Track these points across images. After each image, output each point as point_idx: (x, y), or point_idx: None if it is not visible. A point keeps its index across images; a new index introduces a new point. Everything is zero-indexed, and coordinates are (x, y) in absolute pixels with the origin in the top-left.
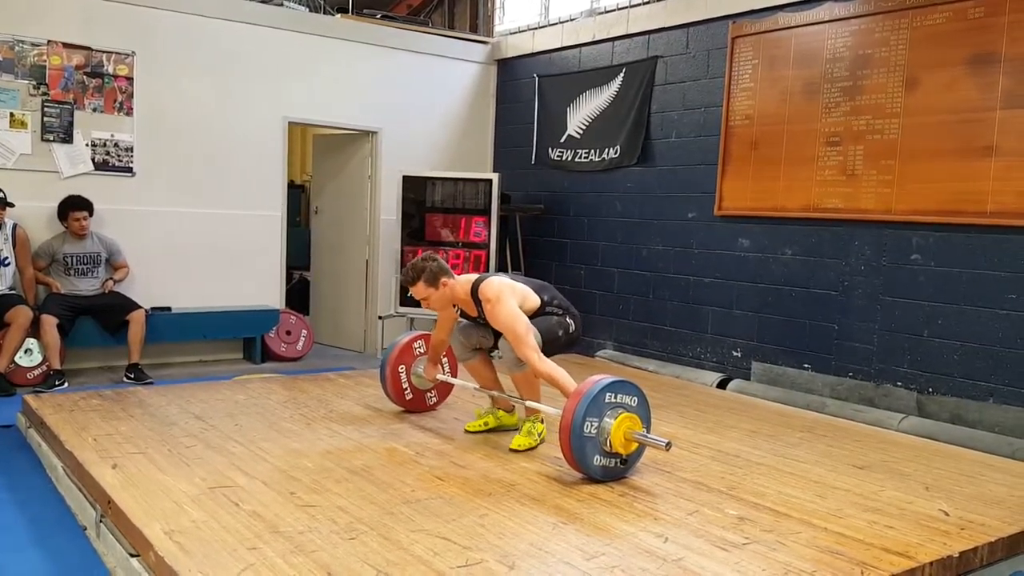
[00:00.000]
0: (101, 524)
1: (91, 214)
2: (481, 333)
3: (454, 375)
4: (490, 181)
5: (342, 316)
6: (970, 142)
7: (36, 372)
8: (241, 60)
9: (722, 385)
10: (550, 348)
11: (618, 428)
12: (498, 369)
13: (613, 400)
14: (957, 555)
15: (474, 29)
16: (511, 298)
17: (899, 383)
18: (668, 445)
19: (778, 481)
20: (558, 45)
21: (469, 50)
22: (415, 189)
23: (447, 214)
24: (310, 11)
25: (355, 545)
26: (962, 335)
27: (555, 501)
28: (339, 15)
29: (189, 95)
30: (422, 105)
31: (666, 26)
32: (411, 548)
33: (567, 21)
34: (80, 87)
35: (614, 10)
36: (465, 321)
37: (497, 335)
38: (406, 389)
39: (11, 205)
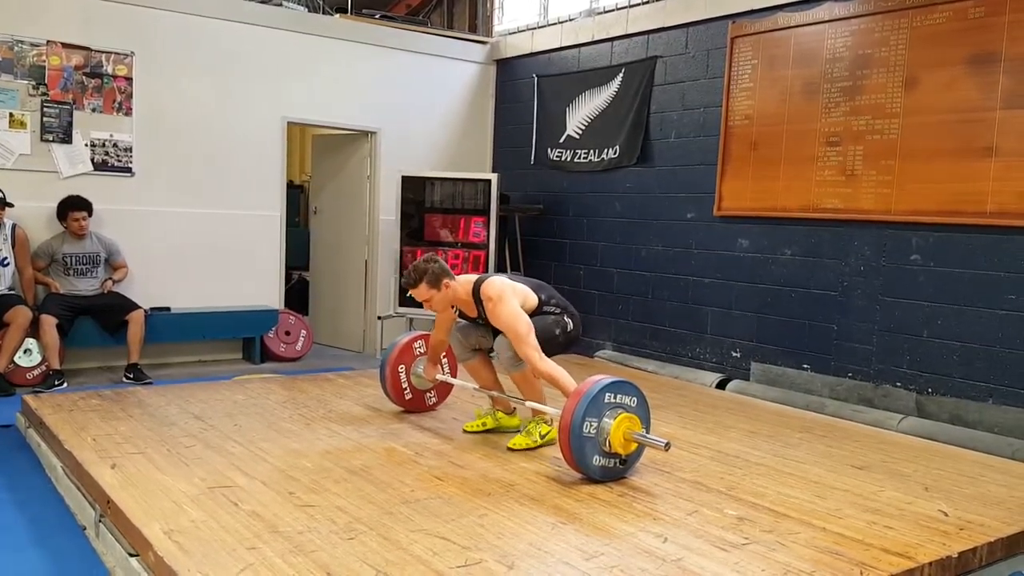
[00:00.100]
0: (100, 524)
1: (90, 214)
2: (480, 333)
3: (454, 375)
4: (489, 181)
5: (341, 316)
6: (970, 142)
7: (35, 372)
8: (240, 60)
9: (721, 385)
10: (547, 347)
11: (617, 428)
12: (498, 369)
13: (612, 400)
14: (956, 555)
15: (473, 29)
16: (513, 298)
17: (898, 383)
18: (667, 445)
19: (777, 481)
20: (557, 45)
21: (468, 50)
22: (414, 189)
23: (446, 214)
24: (309, 11)
25: (354, 545)
26: (962, 336)
27: (554, 501)
28: (338, 15)
29: (188, 95)
30: (421, 105)
31: (665, 26)
32: (410, 548)
33: (566, 21)
34: (79, 87)
35: (613, 10)
36: (463, 321)
37: (496, 335)
38: (406, 389)
39: (10, 205)
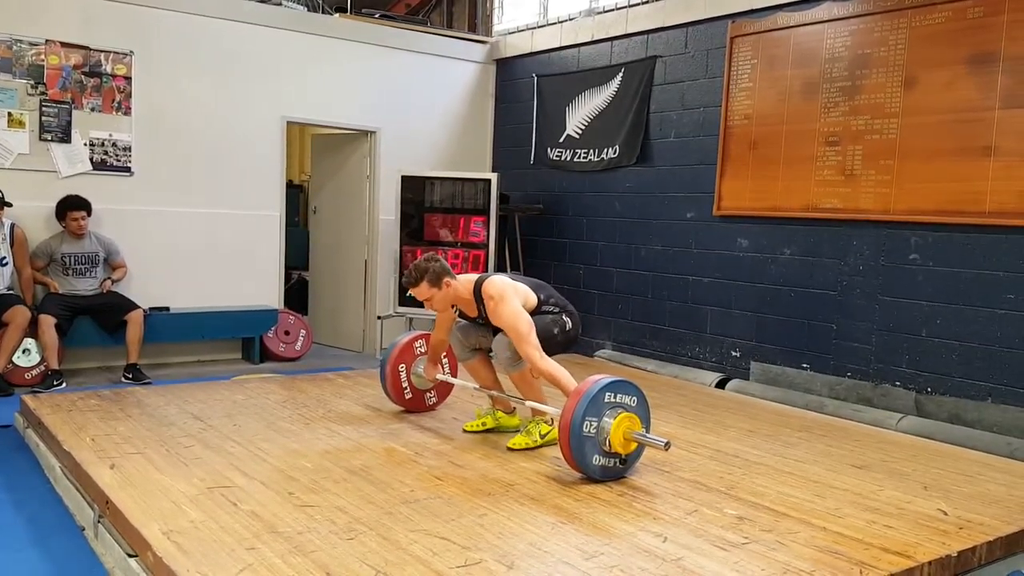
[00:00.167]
0: (99, 524)
1: (89, 214)
2: (480, 333)
3: (454, 375)
4: (489, 181)
5: (341, 316)
6: (969, 142)
7: (34, 372)
8: (239, 60)
9: (721, 385)
10: (546, 347)
11: (617, 428)
12: (497, 369)
13: (612, 400)
14: (955, 554)
15: (473, 29)
16: (514, 297)
17: (898, 383)
18: (667, 445)
19: (777, 481)
20: (557, 45)
21: (468, 50)
22: (414, 189)
23: (446, 214)
24: (308, 11)
25: (354, 545)
26: (961, 335)
27: (554, 501)
28: (337, 15)
29: (187, 95)
30: (421, 105)
31: (665, 26)
32: (410, 548)
33: (566, 21)
34: (78, 87)
35: (613, 10)
36: (463, 321)
37: (496, 335)
38: (406, 388)
39: (9, 205)
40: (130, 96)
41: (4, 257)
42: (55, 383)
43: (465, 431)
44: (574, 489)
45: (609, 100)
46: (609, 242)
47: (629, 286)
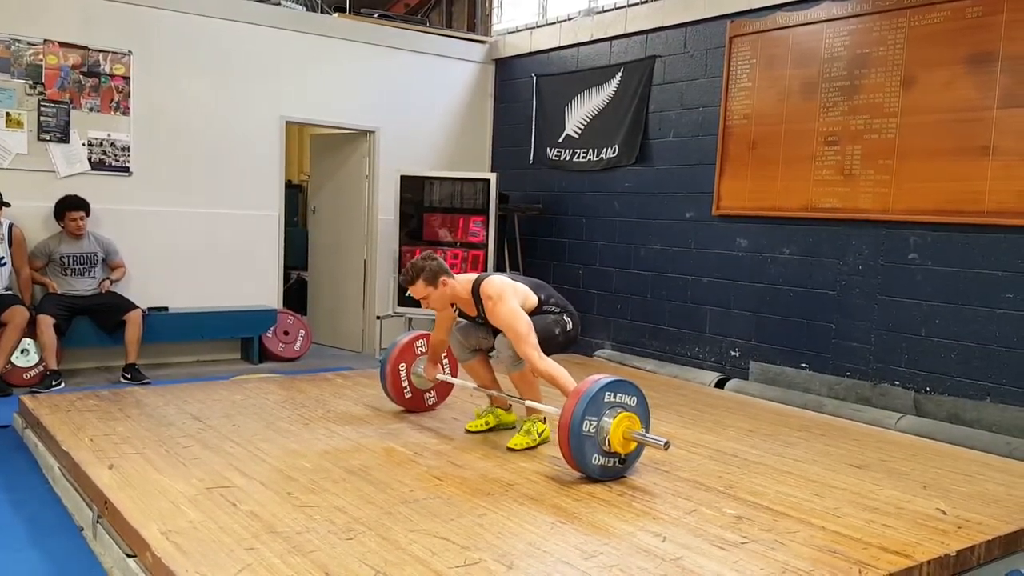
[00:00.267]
0: (98, 525)
1: (88, 214)
2: (480, 333)
3: (454, 375)
4: (488, 181)
5: (340, 316)
6: (968, 141)
7: (33, 372)
8: (238, 59)
9: (720, 385)
10: (547, 347)
11: (617, 427)
12: (496, 370)
13: (612, 399)
14: (954, 554)
15: (472, 28)
16: (513, 297)
17: (897, 382)
18: (666, 444)
19: (776, 480)
20: (556, 44)
21: (467, 49)
22: (413, 189)
23: (445, 214)
24: (307, 10)
25: (353, 545)
26: (960, 334)
27: (553, 500)
28: (336, 14)
29: (186, 94)
30: (420, 104)
31: (664, 25)
32: (409, 548)
33: (565, 20)
34: (76, 86)
35: (612, 9)
36: (464, 321)
37: (496, 335)
38: (405, 388)
39: (7, 205)
40: (128, 96)
41: (3, 257)
42: (54, 383)
43: (468, 431)
44: (573, 489)
45: (608, 100)
46: (608, 242)
47: (628, 286)
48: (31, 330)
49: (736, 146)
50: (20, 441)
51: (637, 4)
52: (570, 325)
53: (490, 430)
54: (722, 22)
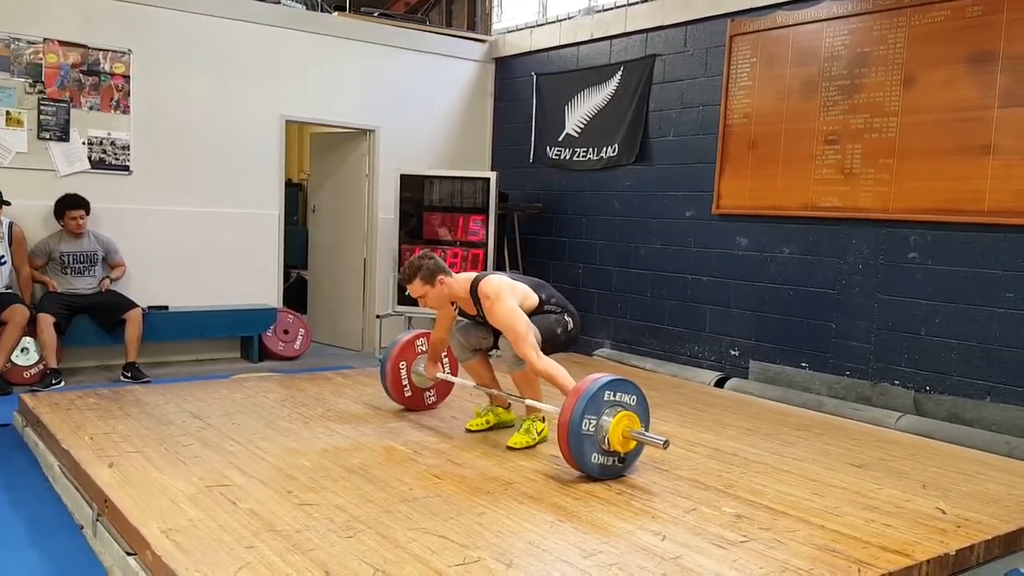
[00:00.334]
0: (98, 523)
1: (88, 213)
2: (480, 333)
3: (454, 374)
4: (488, 180)
5: (340, 315)
6: (968, 140)
7: (33, 371)
8: (238, 58)
9: (720, 384)
10: (549, 346)
11: (616, 426)
12: (497, 369)
13: (612, 398)
14: (954, 553)
15: (472, 27)
16: (511, 296)
17: (896, 382)
18: (666, 443)
19: (775, 479)
20: (556, 43)
21: (467, 48)
22: (413, 188)
23: (445, 213)
24: (307, 9)
25: (352, 543)
26: (960, 334)
27: (553, 499)
28: (336, 13)
29: (186, 93)
30: (420, 103)
31: (664, 24)
32: (408, 546)
33: (565, 19)
34: (76, 85)
35: (612, 8)
36: (464, 320)
37: (497, 335)
38: (405, 386)
39: (7, 203)
40: (128, 95)
41: (3, 256)
42: (54, 382)
43: (467, 430)
44: (573, 487)
45: (608, 99)
46: (608, 241)
47: (628, 285)
48: (31, 329)
49: (736, 145)
50: (20, 440)
51: (637, 3)
52: (571, 324)
53: (490, 429)
54: (722, 21)
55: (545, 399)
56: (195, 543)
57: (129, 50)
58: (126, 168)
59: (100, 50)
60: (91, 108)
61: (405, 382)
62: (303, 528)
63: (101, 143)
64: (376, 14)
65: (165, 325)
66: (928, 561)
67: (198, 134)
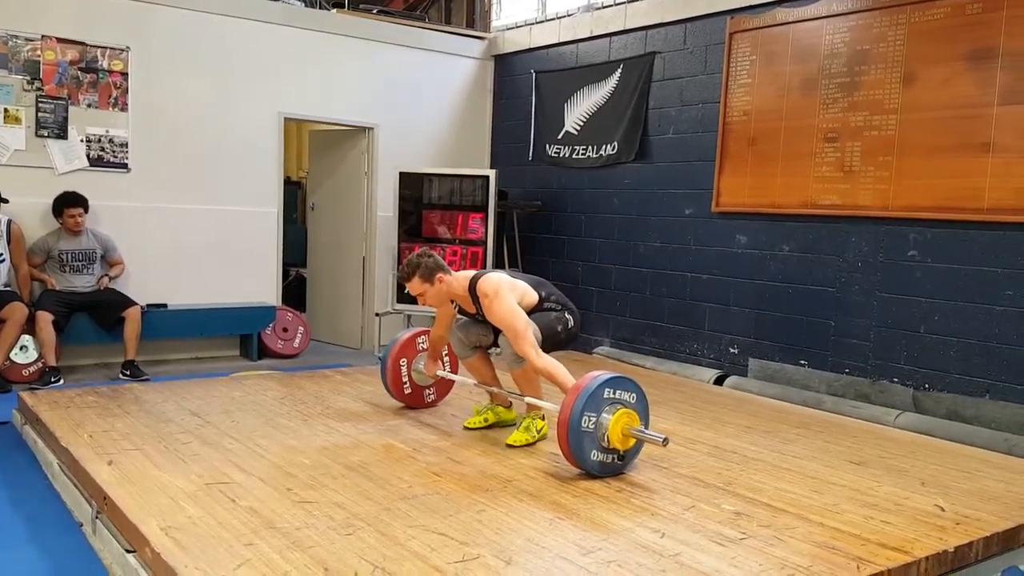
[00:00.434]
0: (97, 521)
1: (86, 210)
2: (480, 331)
3: (454, 372)
4: (487, 178)
5: (339, 313)
6: (968, 138)
7: (32, 369)
8: (237, 55)
9: (719, 381)
10: (549, 344)
11: (616, 424)
12: (498, 367)
13: (611, 396)
14: (952, 550)
15: (471, 24)
16: (509, 294)
17: (896, 379)
18: (665, 441)
19: (775, 477)
20: (555, 41)
21: (466, 45)
22: (412, 186)
23: (444, 211)
24: (306, 6)
25: (352, 541)
26: (959, 331)
27: (552, 497)
28: (335, 10)
29: (184, 91)
30: (419, 101)
31: (664, 22)
32: (408, 544)
33: (564, 17)
34: (74, 82)
35: (611, 5)
36: (464, 318)
37: (497, 332)
38: (405, 383)
39: (5, 201)
40: (127, 92)
41: (1, 254)
42: (53, 380)
43: (466, 428)
44: (572, 485)
45: (608, 96)
46: (608, 239)
47: (628, 283)
48: (30, 326)
49: (736, 143)
50: (19, 438)
51: (636, 0)
52: (571, 322)
53: (489, 427)
54: (722, 18)
55: (545, 397)
56: (194, 540)
57: (127, 47)
58: (124, 166)
59: (98, 47)
60: (89, 105)
61: (405, 379)
62: (302, 525)
63: (99, 140)
64: (375, 11)
65: (164, 323)
66: (927, 558)
67: (196, 132)
